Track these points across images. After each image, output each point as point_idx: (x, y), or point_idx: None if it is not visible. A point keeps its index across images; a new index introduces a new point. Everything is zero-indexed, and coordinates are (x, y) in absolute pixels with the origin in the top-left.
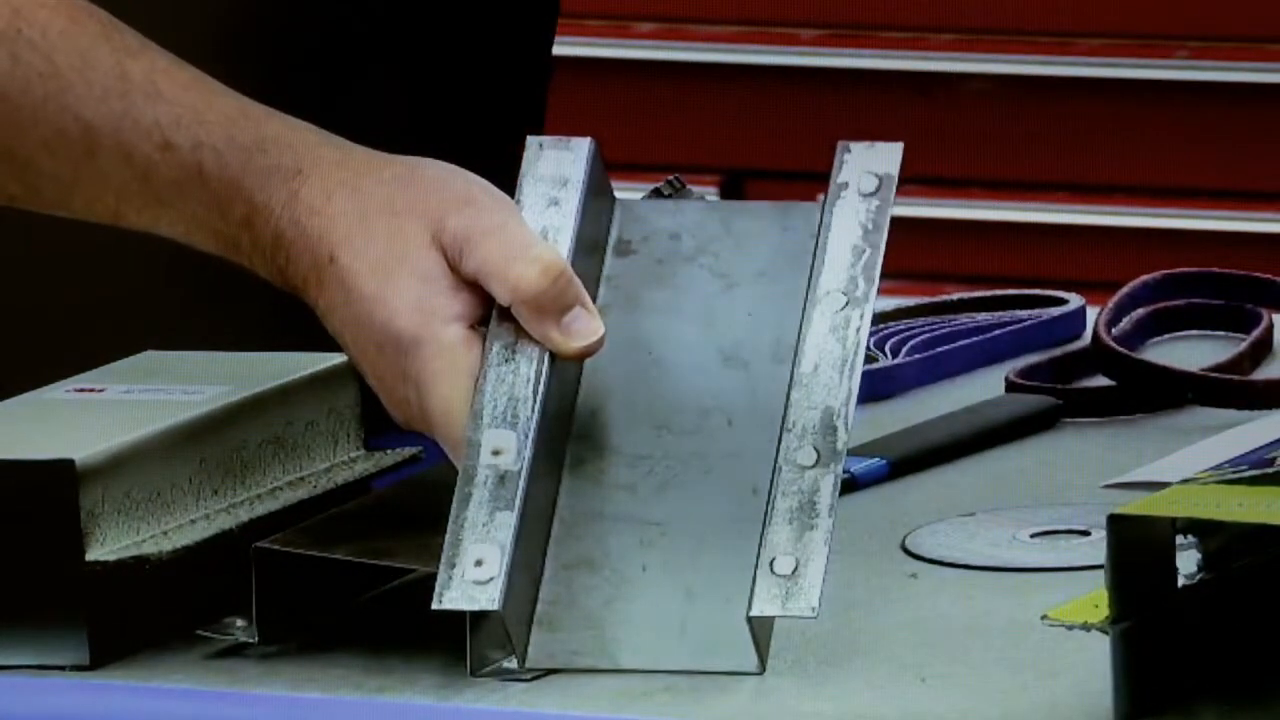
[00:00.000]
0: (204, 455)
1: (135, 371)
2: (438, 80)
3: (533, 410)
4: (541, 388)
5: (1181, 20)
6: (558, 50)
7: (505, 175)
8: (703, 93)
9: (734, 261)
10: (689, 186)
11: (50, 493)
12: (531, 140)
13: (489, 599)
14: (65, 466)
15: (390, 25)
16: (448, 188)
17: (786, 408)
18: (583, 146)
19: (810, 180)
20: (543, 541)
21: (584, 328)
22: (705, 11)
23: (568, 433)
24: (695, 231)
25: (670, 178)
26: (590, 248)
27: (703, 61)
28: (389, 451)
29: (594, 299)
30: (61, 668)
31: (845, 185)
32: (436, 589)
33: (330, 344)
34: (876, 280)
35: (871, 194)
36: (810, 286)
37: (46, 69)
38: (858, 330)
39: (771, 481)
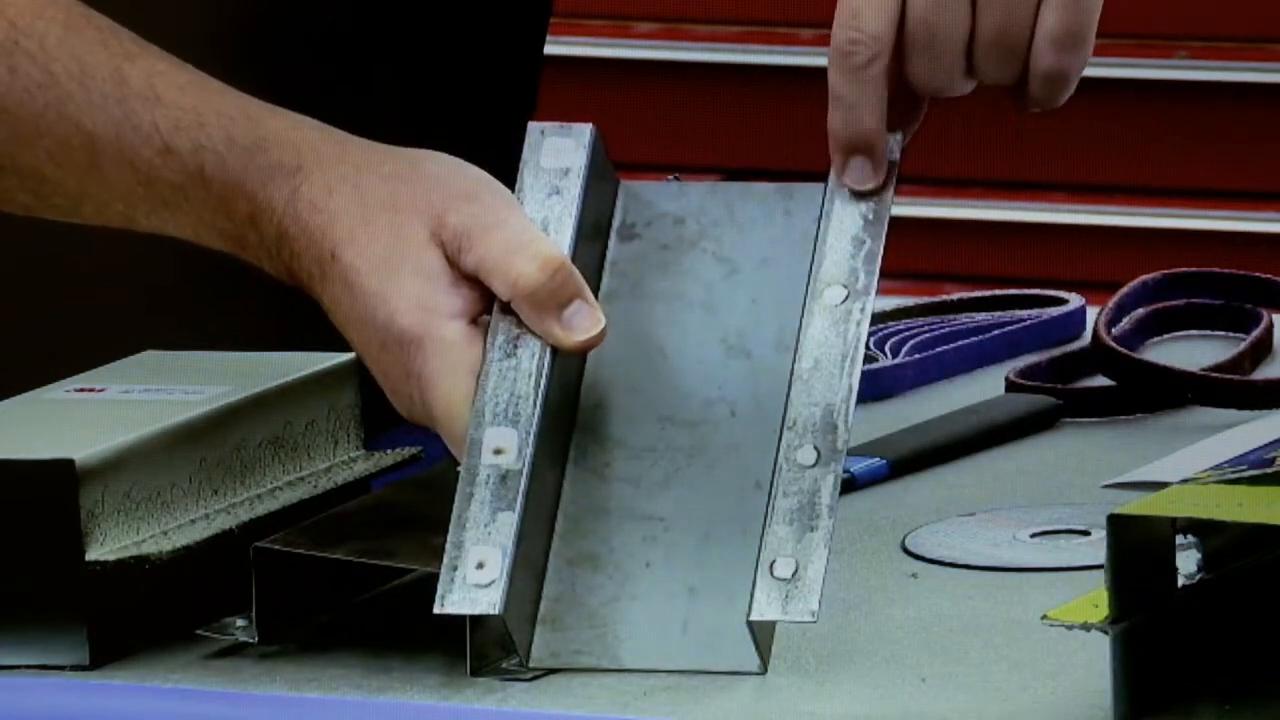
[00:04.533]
0: (204, 455)
1: (135, 371)
2: (434, 74)
3: (534, 406)
4: (543, 383)
5: (1181, 20)
6: (559, 50)
7: (498, 167)
8: (703, 93)
9: (737, 246)
10: None
11: (50, 493)
12: (533, 127)
13: (490, 603)
14: (65, 466)
15: (387, 19)
16: (448, 183)
17: (787, 404)
18: (584, 133)
19: (810, 180)
20: (546, 537)
21: (584, 322)
22: (705, 11)
23: (571, 425)
24: (699, 215)
25: (670, 178)
26: (594, 234)
27: (703, 61)
28: (389, 451)
29: (598, 285)
30: (61, 668)
31: None
32: (438, 592)
33: (332, 343)
34: (877, 272)
35: None
36: (810, 279)
37: (44, 79)
38: (858, 324)
39: (772, 480)
